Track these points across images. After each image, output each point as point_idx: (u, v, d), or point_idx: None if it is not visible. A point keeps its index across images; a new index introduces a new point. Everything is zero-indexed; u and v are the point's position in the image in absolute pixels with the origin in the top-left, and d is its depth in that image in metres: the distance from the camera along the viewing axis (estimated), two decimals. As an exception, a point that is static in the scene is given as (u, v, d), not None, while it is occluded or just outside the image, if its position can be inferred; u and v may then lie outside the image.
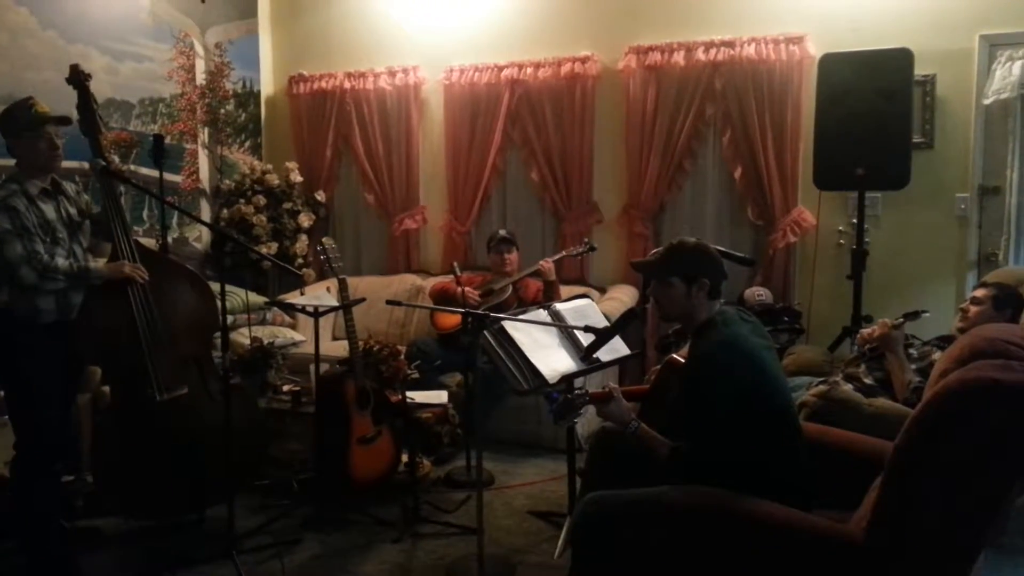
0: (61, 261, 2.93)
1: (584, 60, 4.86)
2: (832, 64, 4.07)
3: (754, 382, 2.21)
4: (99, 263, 3.09)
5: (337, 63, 5.59)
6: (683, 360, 2.49)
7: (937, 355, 3.01)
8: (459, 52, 5.24)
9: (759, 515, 2.03)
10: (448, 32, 5.29)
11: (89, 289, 3.03)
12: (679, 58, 4.61)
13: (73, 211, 3.10)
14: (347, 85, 5.52)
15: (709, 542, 2.08)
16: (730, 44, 4.51)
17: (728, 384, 2.18)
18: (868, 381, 3.18)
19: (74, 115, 3.15)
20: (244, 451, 3.23)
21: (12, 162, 3.03)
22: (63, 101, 3.16)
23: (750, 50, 4.46)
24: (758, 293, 4.31)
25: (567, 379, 3.07)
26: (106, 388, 3.58)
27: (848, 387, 3.08)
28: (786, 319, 4.16)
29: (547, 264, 4.40)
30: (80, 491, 3.51)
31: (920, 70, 4.06)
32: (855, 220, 4.24)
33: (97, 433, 3.42)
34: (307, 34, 5.77)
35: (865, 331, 3.34)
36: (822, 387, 3.04)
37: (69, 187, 3.14)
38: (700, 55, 4.56)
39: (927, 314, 3.27)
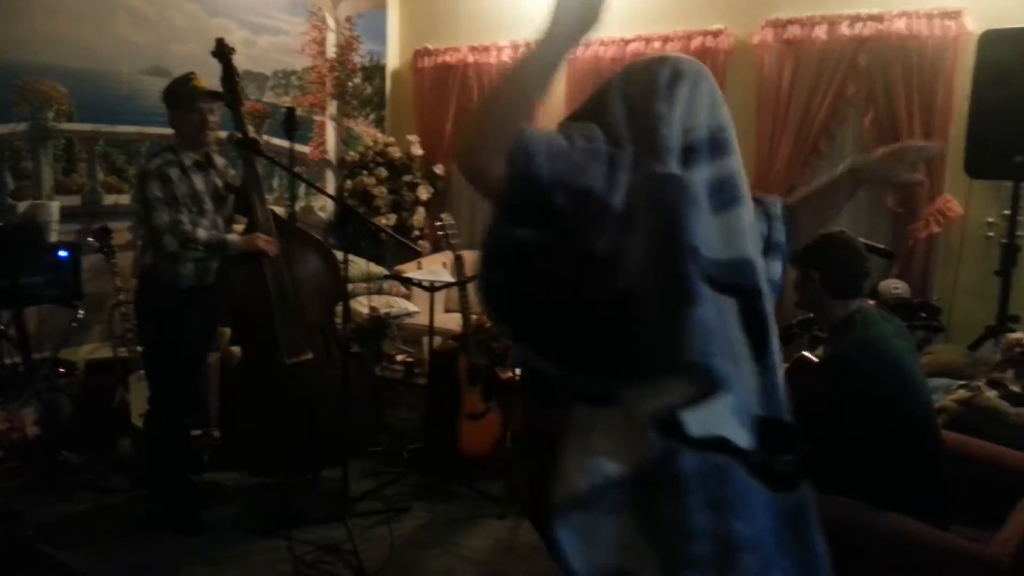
0: (202, 232, 3.06)
1: (716, 34, 4.65)
2: (993, 42, 3.71)
3: (893, 389, 2.05)
4: (235, 236, 3.22)
5: (462, 37, 5.59)
6: (815, 360, 2.35)
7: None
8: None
9: (895, 531, 1.89)
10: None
11: (226, 256, 3.17)
12: (820, 32, 4.33)
13: (220, 184, 3.23)
14: (471, 59, 5.51)
15: (837, 556, 1.96)
16: (878, 18, 4.20)
17: (866, 388, 2.03)
18: (1015, 389, 2.92)
19: (218, 87, 3.27)
20: (360, 417, 3.31)
21: (170, 131, 3.19)
22: (205, 73, 3.29)
23: (900, 24, 4.14)
24: (894, 286, 4.02)
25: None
26: (234, 348, 3.75)
27: (992, 394, 2.84)
28: (923, 315, 3.86)
29: None
30: (206, 446, 3.71)
31: (1097, 48, 3.65)
32: (1007, 212, 3.89)
33: (226, 391, 3.60)
34: (434, 8, 5.80)
35: (1013, 335, 3.06)
36: (964, 393, 2.81)
37: (219, 161, 3.28)
38: (844, 29, 4.27)
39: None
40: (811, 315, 2.71)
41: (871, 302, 2.51)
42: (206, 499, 3.35)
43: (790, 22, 4.43)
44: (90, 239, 3.85)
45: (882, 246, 3.35)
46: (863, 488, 1.99)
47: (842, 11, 4.29)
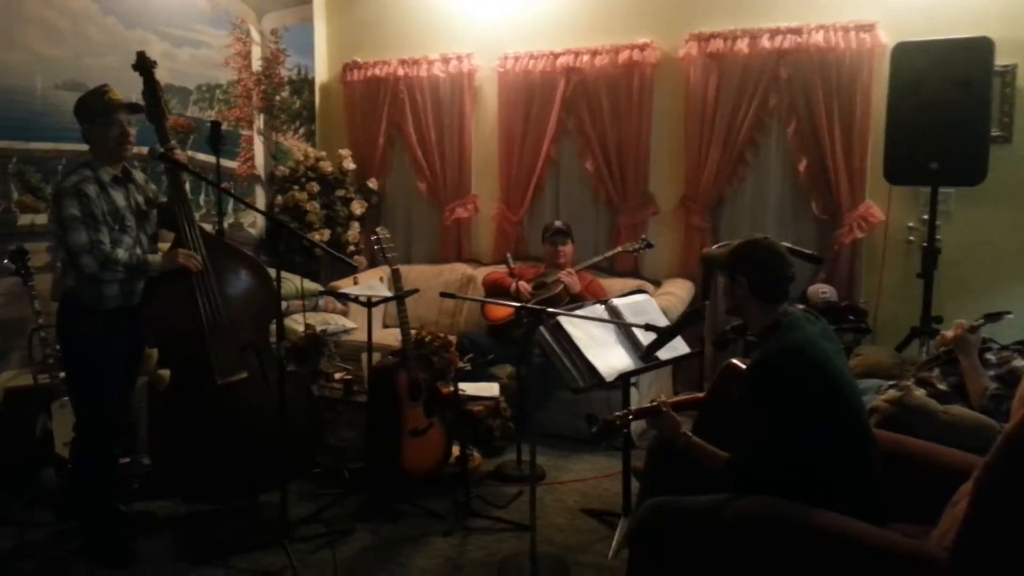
0: (121, 253, 2.94)
1: (643, 47, 4.73)
2: (906, 53, 3.89)
3: (822, 390, 2.10)
4: (157, 256, 3.10)
5: (391, 50, 5.56)
6: (744, 366, 2.39)
7: (1019, 362, 2.85)
8: (514, 39, 5.15)
9: (829, 529, 1.93)
10: (503, 19, 5.21)
11: (150, 276, 3.05)
12: (743, 46, 4.46)
13: (141, 199, 3.12)
14: (401, 72, 5.48)
15: (773, 556, 2.00)
16: (797, 31, 4.35)
17: (792, 392, 2.07)
18: (942, 387, 3.03)
19: (139, 101, 3.16)
20: (299, 438, 3.23)
21: (87, 147, 3.06)
22: (124, 87, 3.17)
23: (818, 38, 4.30)
24: (822, 291, 4.16)
25: (624, 377, 3.00)
26: (162, 371, 3.62)
27: (921, 392, 2.94)
28: (851, 318, 4.00)
29: (569, 278, 4.37)
30: (136, 473, 3.56)
31: (1000, 60, 3.85)
32: (927, 216, 4.06)
33: (155, 416, 3.46)
34: (362, 21, 5.74)
35: (947, 333, 3.16)
36: (895, 392, 2.90)
37: (138, 176, 3.16)
38: (765, 43, 4.41)
39: (1011, 315, 3.10)
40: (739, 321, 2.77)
41: (800, 306, 2.58)
42: (137, 529, 3.20)
43: (713, 36, 4.54)
44: (6, 261, 3.67)
45: (809, 251, 3.46)
46: (799, 490, 2.03)
47: (762, 24, 4.44)
